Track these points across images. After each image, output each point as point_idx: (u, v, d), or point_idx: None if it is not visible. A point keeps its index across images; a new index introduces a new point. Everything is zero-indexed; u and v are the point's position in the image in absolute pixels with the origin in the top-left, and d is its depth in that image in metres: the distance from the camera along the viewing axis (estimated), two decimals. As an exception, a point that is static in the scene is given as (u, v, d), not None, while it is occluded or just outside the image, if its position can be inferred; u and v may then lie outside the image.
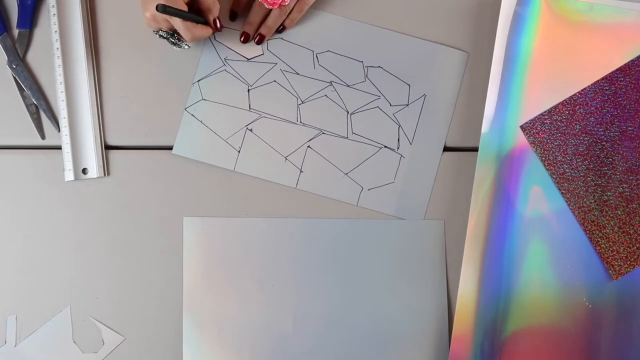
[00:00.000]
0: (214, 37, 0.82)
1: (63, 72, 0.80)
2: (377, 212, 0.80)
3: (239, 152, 0.81)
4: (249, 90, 0.81)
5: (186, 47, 0.78)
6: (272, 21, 0.79)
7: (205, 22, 0.77)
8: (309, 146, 0.81)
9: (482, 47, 0.81)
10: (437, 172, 0.80)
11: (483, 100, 0.77)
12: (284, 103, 0.81)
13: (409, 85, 0.81)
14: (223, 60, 0.82)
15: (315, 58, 0.81)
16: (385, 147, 0.81)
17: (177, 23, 0.73)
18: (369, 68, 0.81)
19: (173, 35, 0.76)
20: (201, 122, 0.81)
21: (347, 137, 0.81)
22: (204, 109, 0.81)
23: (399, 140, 0.81)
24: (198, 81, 0.81)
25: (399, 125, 0.81)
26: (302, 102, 0.81)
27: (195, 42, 0.80)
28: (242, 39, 0.81)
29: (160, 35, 0.76)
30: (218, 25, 0.77)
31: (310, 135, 0.81)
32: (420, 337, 0.78)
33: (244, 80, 0.81)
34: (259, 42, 0.81)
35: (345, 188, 0.80)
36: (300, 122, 0.81)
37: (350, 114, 0.81)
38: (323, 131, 0.81)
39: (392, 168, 0.81)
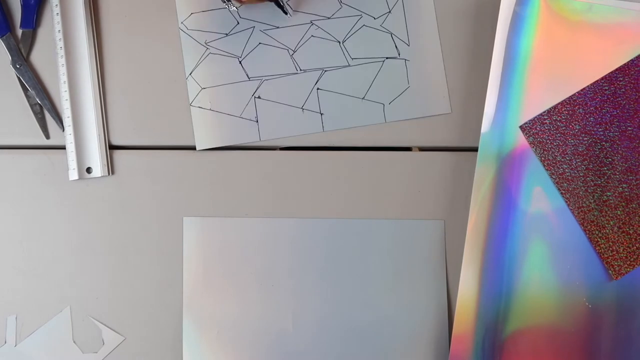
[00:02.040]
0: (186, 27, 0.82)
1: (67, 71, 0.81)
2: (407, 120, 0.81)
3: (257, 122, 0.81)
4: (240, 62, 0.82)
5: (235, 8, 0.79)
6: None
7: None
8: (318, 88, 0.81)
9: (481, 47, 0.81)
10: (443, 61, 0.81)
11: (483, 100, 0.78)
12: (277, 60, 0.82)
13: None
14: (204, 44, 0.82)
15: (286, 6, 0.82)
16: (387, 58, 0.81)
17: None
18: None
19: None
20: (210, 110, 0.81)
21: (349, 65, 0.82)
22: (208, 97, 0.81)
23: (396, 47, 0.82)
24: (190, 74, 0.82)
25: (391, 34, 0.82)
26: (294, 51, 0.82)
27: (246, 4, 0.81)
28: None
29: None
30: None
31: (315, 78, 0.82)
32: (420, 337, 0.78)
33: (232, 55, 0.82)
34: None
35: (368, 112, 0.81)
36: (301, 70, 0.81)
37: (343, 42, 0.82)
38: (325, 69, 0.81)
39: (402, 74, 0.81)
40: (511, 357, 0.75)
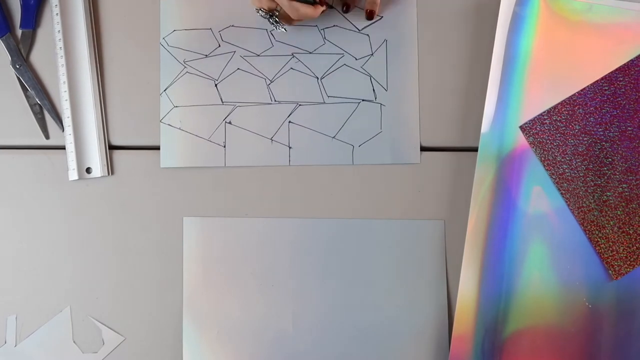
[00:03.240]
0: (167, 44, 0.82)
1: (66, 71, 0.81)
2: (374, 165, 0.80)
3: (224, 147, 0.81)
4: (216, 85, 0.82)
5: (283, 29, 0.78)
6: None
7: (311, 2, 0.75)
8: (290, 121, 0.81)
9: (481, 47, 0.81)
10: (419, 111, 0.81)
11: (483, 100, 0.78)
12: (253, 87, 0.82)
13: (367, 35, 0.82)
14: (182, 62, 0.82)
15: (270, 35, 0.82)
16: (363, 100, 0.81)
17: (284, 1, 0.73)
18: (325, 30, 0.82)
19: (272, 16, 0.76)
20: (180, 129, 0.81)
21: (324, 102, 0.81)
22: (178, 116, 0.81)
23: (374, 90, 0.81)
24: (165, 90, 0.81)
25: (370, 76, 0.81)
26: (271, 81, 0.81)
27: (291, 27, 0.81)
28: (368, 16, 0.81)
29: (261, 15, 0.77)
30: (323, 5, 0.76)
31: (288, 110, 0.81)
32: (420, 337, 0.78)
33: (208, 77, 0.82)
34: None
35: (337, 151, 0.81)
36: (275, 100, 0.81)
37: (321, 79, 0.81)
38: (299, 103, 0.81)
39: (376, 118, 0.81)
40: (511, 357, 0.75)
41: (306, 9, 0.74)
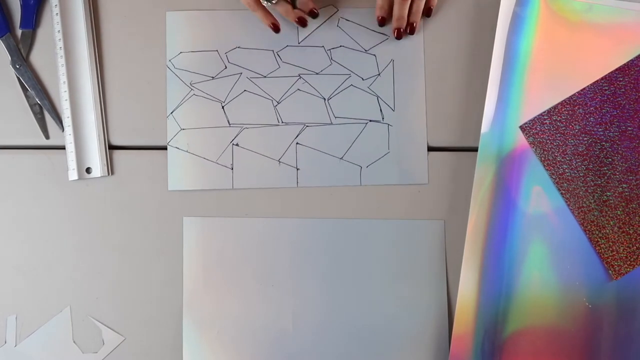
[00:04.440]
0: (173, 66, 0.82)
1: (66, 71, 0.81)
2: (382, 185, 0.80)
3: (232, 169, 0.81)
4: (223, 107, 0.81)
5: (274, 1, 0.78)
6: (416, 6, 0.80)
7: None
8: (297, 143, 0.81)
9: (481, 47, 0.81)
10: (427, 131, 0.81)
11: (483, 100, 0.78)
12: (260, 109, 0.81)
13: (374, 55, 0.82)
14: (189, 85, 0.82)
15: (276, 56, 0.82)
16: (370, 121, 0.81)
17: None
18: (332, 50, 0.82)
19: None
20: (187, 151, 0.81)
21: (331, 123, 0.81)
22: (186, 139, 0.81)
23: (381, 110, 0.81)
24: (171, 113, 0.81)
25: (377, 97, 0.81)
26: (278, 103, 0.81)
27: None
28: (395, 34, 0.81)
29: None
30: None
31: (296, 131, 0.81)
32: (420, 337, 0.78)
33: (215, 99, 0.82)
34: (412, 32, 0.81)
35: (344, 172, 0.81)
36: (282, 122, 0.81)
37: (328, 100, 0.81)
38: (306, 124, 0.81)
39: (384, 139, 0.81)
40: (511, 357, 0.75)
41: None
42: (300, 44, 0.82)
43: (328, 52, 0.82)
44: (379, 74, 0.82)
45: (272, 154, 0.81)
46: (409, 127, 0.81)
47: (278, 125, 0.81)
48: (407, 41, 0.82)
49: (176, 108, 0.81)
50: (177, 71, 0.82)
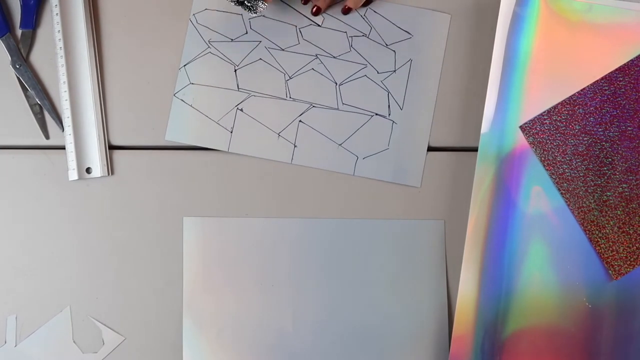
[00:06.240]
0: (196, 20, 0.82)
1: (66, 71, 0.81)
2: (374, 180, 0.80)
3: (231, 132, 0.81)
4: (235, 71, 0.82)
5: (262, 8, 0.76)
6: None
7: None
8: (300, 120, 0.81)
9: (481, 47, 0.81)
10: (429, 136, 0.81)
11: (483, 100, 0.78)
12: (271, 80, 0.82)
13: (394, 51, 0.82)
14: (207, 42, 0.82)
15: (298, 32, 0.82)
16: (376, 114, 0.81)
17: None
18: (353, 38, 0.82)
19: None
20: (191, 106, 0.81)
21: (337, 108, 0.81)
22: (192, 93, 0.81)
23: (389, 106, 0.81)
24: (184, 66, 0.82)
25: (388, 92, 0.81)
26: (290, 78, 0.82)
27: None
28: (313, 10, 0.82)
29: (236, 2, 0.76)
30: None
31: (301, 109, 0.81)
32: (420, 337, 0.78)
33: (229, 61, 0.82)
34: (316, 13, 0.82)
35: (340, 159, 0.81)
36: (290, 97, 0.81)
37: (339, 85, 0.81)
38: (313, 104, 0.81)
39: (385, 135, 0.81)
40: (511, 357, 0.75)
41: None
42: (322, 25, 0.82)
43: (349, 38, 0.82)
44: (394, 71, 0.82)
45: (274, 126, 0.81)
46: (412, 128, 0.81)
47: (285, 99, 0.81)
48: (429, 45, 0.82)
49: (190, 62, 0.82)
50: (199, 26, 0.82)
